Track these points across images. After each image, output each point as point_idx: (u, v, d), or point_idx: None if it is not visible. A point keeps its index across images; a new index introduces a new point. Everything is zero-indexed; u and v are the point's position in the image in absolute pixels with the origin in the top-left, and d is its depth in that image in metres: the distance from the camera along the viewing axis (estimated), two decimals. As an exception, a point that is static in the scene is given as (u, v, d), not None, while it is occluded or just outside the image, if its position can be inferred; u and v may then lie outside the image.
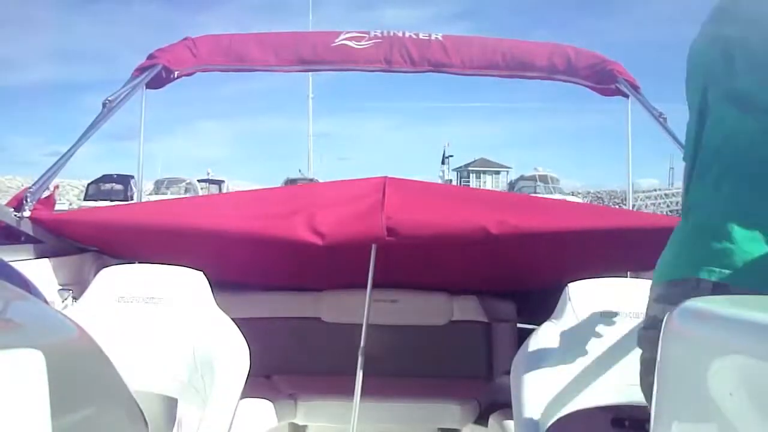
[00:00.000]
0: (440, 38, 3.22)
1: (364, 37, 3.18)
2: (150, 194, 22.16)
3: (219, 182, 28.10)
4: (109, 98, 2.72)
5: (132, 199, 20.19)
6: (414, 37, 3.22)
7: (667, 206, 26.86)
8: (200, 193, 23.74)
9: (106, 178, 23.32)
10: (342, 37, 3.18)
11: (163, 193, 22.18)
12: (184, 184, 24.85)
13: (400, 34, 3.22)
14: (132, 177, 23.28)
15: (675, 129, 2.78)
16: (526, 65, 3.23)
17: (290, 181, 24.96)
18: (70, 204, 24.62)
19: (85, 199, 22.38)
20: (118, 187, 22.14)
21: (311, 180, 25.08)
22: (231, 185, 28.30)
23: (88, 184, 23.92)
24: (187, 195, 22.01)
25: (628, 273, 2.46)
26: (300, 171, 31.97)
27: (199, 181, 26.71)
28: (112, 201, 18.63)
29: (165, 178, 25.41)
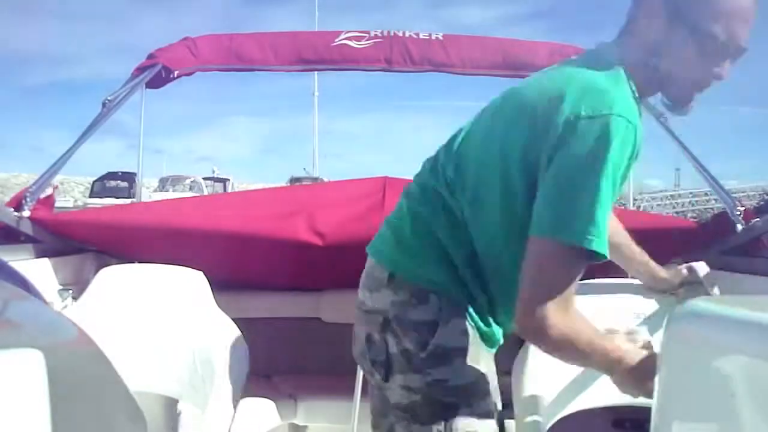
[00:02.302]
0: (440, 38, 3.22)
1: (365, 36, 3.18)
2: (155, 191, 22.16)
3: (224, 180, 28.06)
4: (109, 98, 2.72)
5: (136, 197, 20.06)
6: (414, 36, 3.22)
7: (673, 207, 26.86)
8: (205, 190, 23.77)
9: (110, 176, 23.41)
10: (342, 36, 3.18)
11: (167, 191, 22.19)
12: (188, 181, 24.87)
13: (401, 34, 3.22)
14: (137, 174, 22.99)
15: (675, 129, 2.78)
16: (527, 65, 3.22)
17: (295, 180, 24.96)
18: (75, 201, 24.59)
19: (90, 196, 22.44)
20: (123, 184, 22.19)
21: (316, 179, 25.04)
22: (236, 183, 28.27)
23: (94, 182, 24.03)
24: (192, 192, 22.04)
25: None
26: (305, 169, 31.90)
27: (204, 179, 26.69)
28: (117, 198, 18.63)
29: (169, 175, 25.43)
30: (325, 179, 24.49)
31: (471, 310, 1.29)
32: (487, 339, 1.33)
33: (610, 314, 1.86)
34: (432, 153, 1.40)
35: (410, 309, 1.27)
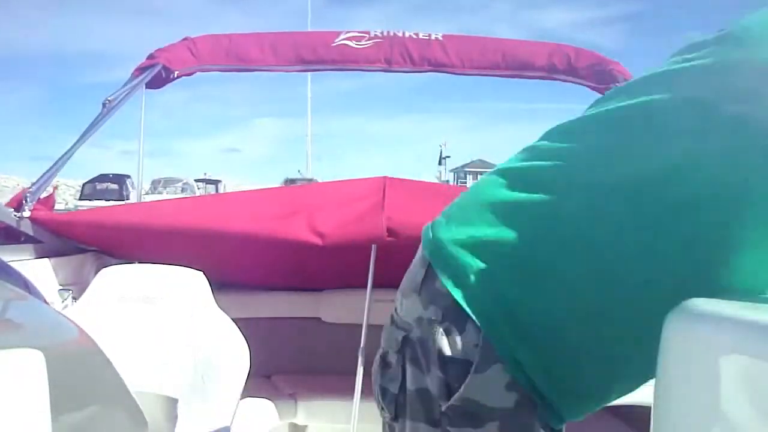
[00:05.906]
0: (440, 38, 3.23)
1: (364, 36, 3.19)
2: (146, 194, 22.15)
3: (216, 182, 28.12)
4: (109, 98, 2.72)
5: (128, 199, 20.17)
6: (414, 36, 3.22)
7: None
8: (197, 192, 23.76)
9: (101, 178, 23.25)
10: (342, 36, 3.19)
11: (159, 193, 22.14)
12: (180, 183, 24.91)
13: (400, 34, 3.23)
14: (128, 176, 23.34)
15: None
16: (526, 65, 3.23)
17: (289, 181, 25.06)
18: (66, 204, 24.53)
19: (80, 199, 22.26)
20: (114, 186, 22.12)
21: (310, 180, 25.17)
22: (228, 185, 28.37)
23: (84, 184, 23.82)
24: (184, 194, 22.04)
25: None
26: (299, 171, 32.11)
27: (196, 180, 26.72)
28: (107, 201, 18.58)
29: (161, 177, 25.41)
30: (319, 180, 24.57)
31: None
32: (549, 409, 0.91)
33: None
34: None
35: (439, 334, 0.87)
